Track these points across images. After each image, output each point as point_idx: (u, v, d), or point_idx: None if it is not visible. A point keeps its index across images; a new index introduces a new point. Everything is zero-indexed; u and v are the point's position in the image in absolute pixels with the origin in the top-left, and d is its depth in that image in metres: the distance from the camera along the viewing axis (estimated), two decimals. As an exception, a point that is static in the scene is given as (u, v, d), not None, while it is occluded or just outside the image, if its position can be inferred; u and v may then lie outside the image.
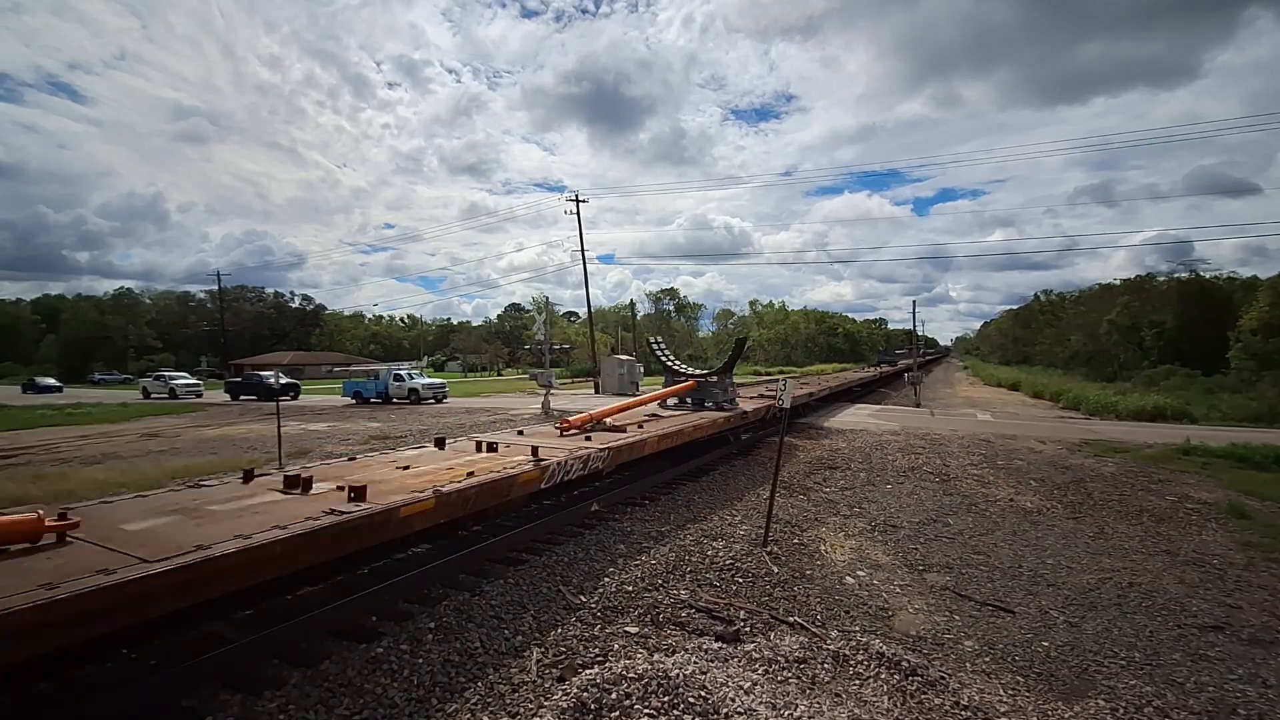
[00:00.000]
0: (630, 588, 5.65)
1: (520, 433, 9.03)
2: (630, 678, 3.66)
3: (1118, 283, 55.94)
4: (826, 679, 3.98)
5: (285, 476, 5.30)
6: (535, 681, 4.05)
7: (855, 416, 20.35)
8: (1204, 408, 22.79)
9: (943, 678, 4.09)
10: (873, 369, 48.54)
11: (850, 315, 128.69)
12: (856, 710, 3.58)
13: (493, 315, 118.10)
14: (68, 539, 3.74)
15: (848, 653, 4.31)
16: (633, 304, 79.47)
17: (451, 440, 8.02)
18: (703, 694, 3.53)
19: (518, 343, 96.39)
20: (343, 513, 4.31)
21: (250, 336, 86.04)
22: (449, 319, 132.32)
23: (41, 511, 3.73)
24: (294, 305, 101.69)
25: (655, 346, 14.57)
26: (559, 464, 6.52)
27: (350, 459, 7.07)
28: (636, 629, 4.90)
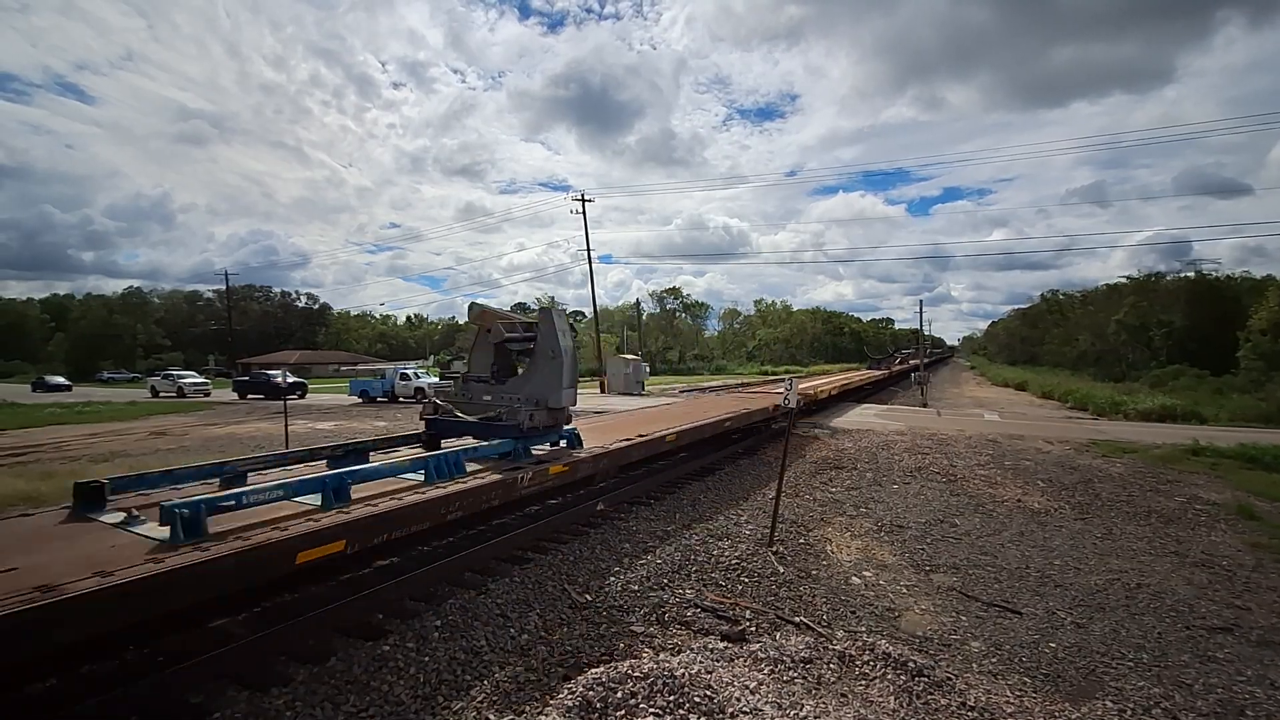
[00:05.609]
0: (636, 587, 5.66)
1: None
2: (636, 677, 3.66)
3: (1125, 282, 55.59)
4: (832, 679, 3.98)
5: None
6: (541, 680, 4.06)
7: (861, 416, 20.28)
8: (1213, 408, 22.61)
9: (949, 678, 4.08)
10: (875, 371, 41.91)
11: (855, 315, 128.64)
12: (862, 710, 3.58)
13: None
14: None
15: (854, 653, 4.30)
16: (638, 304, 79.60)
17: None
18: (708, 693, 3.53)
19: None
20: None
21: (257, 335, 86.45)
22: (453, 318, 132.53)
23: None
24: (300, 304, 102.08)
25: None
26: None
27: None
28: (642, 628, 4.91)
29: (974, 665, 4.55)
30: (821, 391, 23.01)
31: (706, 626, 4.91)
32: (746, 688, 3.67)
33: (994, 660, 4.63)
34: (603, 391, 33.46)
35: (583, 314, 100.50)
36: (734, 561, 6.38)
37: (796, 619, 5.12)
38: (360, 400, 30.10)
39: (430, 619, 4.79)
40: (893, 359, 55.01)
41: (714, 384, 40.25)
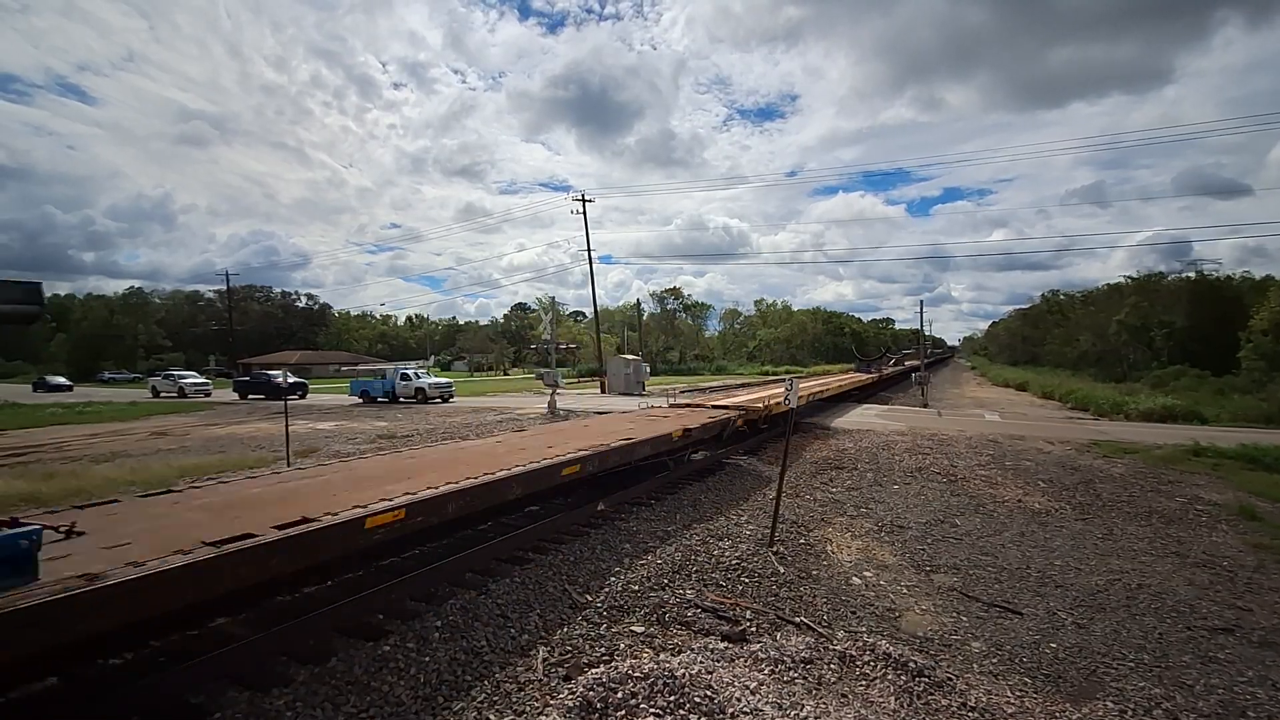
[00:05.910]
0: (636, 587, 5.66)
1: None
2: (636, 677, 3.66)
3: (1126, 282, 55.49)
4: (833, 679, 3.97)
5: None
6: (541, 680, 4.06)
7: (862, 416, 20.28)
8: (1214, 408, 22.56)
9: (950, 679, 4.07)
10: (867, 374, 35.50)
11: (856, 315, 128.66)
12: (863, 711, 3.58)
13: (496, 314, 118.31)
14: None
15: (854, 653, 4.30)
16: (638, 304, 79.60)
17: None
18: (709, 694, 3.53)
19: (523, 342, 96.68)
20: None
21: (258, 336, 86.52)
22: (453, 318, 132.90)
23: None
24: (301, 305, 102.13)
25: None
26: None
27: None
28: (642, 628, 4.91)
29: (975, 666, 4.54)
30: (777, 405, 19.74)
31: (707, 627, 4.91)
32: (747, 688, 3.67)
33: (995, 661, 4.63)
34: (603, 392, 33.49)
35: (583, 314, 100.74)
36: (734, 562, 6.38)
37: (797, 619, 5.12)
38: (361, 400, 30.12)
39: (431, 619, 4.79)
40: (885, 360, 51.02)
41: (714, 384, 40.28)
